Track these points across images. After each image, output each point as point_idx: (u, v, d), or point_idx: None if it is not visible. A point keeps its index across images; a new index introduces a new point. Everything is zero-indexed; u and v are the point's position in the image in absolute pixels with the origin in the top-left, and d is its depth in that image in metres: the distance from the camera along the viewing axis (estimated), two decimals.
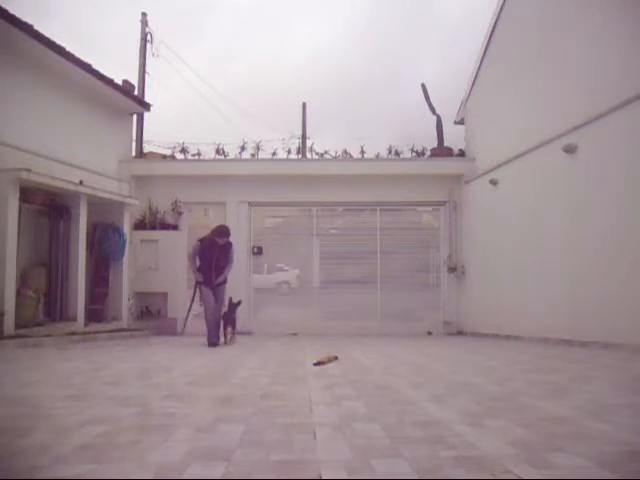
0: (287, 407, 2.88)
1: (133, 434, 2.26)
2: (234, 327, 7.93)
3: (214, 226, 8.16)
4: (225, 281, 7.93)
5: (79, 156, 9.37)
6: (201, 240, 7.95)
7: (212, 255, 7.73)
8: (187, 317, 8.46)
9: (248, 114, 31.69)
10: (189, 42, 40.35)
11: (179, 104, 33.09)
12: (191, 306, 8.29)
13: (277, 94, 36.38)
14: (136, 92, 12.43)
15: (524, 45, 9.17)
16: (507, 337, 8.96)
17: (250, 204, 11.30)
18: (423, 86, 12.35)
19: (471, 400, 3.06)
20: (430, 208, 11.60)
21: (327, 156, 11.91)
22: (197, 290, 7.86)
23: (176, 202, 10.96)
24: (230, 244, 7.96)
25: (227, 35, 44.07)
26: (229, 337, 7.78)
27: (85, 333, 8.52)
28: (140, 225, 10.79)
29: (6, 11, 7.44)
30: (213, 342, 7.49)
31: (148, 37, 14.12)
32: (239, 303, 7.96)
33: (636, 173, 6.52)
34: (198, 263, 7.81)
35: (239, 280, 10.58)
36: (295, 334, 10.52)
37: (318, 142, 28.68)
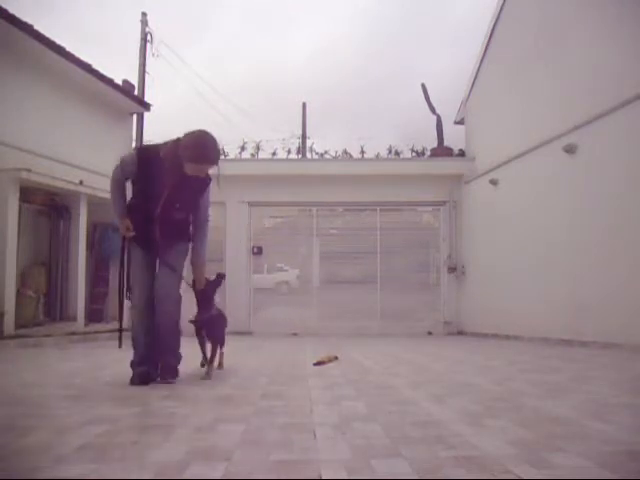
0: (287, 407, 2.88)
1: (133, 434, 2.26)
2: (221, 342, 4.20)
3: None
4: (203, 263, 3.88)
5: (79, 156, 9.36)
6: (145, 151, 3.94)
7: (162, 190, 3.62)
8: (121, 316, 3.99)
9: (248, 114, 31.73)
10: (189, 42, 40.44)
11: (179, 104, 33.13)
12: (121, 291, 3.92)
13: (277, 94, 36.44)
14: (136, 92, 12.45)
15: (524, 45, 9.17)
16: (507, 337, 8.96)
17: (250, 204, 11.29)
18: (423, 86, 12.37)
19: (471, 400, 3.06)
20: (430, 208, 11.60)
21: (327, 156, 11.94)
22: (125, 254, 3.85)
23: None
24: (207, 181, 3.79)
25: (227, 35, 44.17)
26: (210, 364, 3.99)
27: (85, 333, 8.52)
28: None
29: (6, 11, 7.44)
30: (140, 373, 3.69)
31: (148, 37, 14.16)
32: (220, 279, 3.99)
33: (636, 173, 6.52)
34: (130, 196, 3.78)
35: (239, 280, 10.59)
36: (295, 334, 10.52)
37: (318, 142, 28.74)
